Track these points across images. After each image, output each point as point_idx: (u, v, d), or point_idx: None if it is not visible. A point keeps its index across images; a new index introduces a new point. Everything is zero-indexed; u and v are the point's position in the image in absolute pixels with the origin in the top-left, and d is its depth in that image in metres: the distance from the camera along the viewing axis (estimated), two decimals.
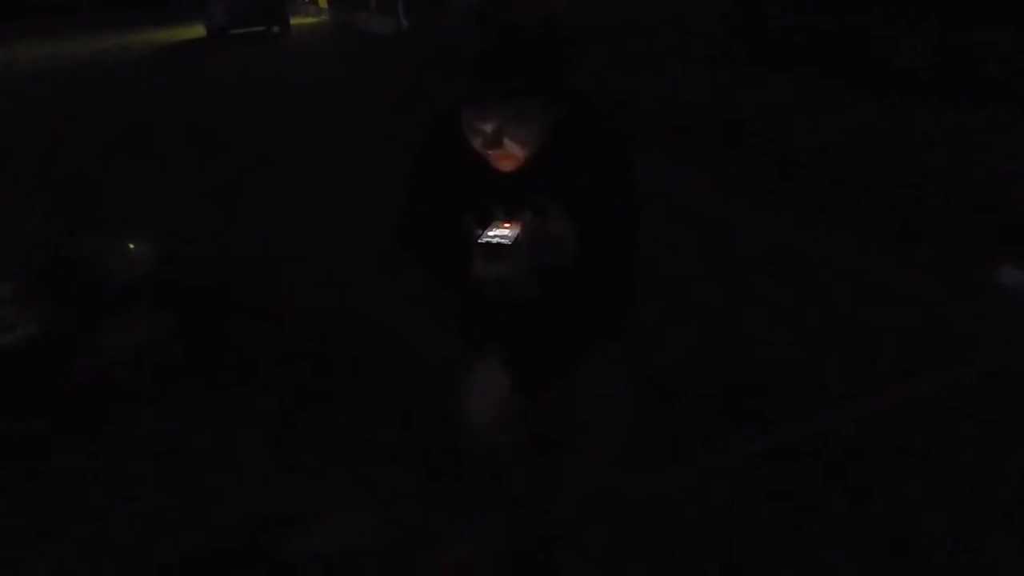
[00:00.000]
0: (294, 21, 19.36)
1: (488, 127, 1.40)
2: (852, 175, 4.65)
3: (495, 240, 1.45)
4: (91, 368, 2.76)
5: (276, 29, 18.22)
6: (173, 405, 2.79)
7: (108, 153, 7.02)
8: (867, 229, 3.82)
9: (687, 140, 5.65)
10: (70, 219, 4.09)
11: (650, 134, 4.94)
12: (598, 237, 1.49)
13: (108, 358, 2.79)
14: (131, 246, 3.13)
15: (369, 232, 4.00)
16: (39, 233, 3.97)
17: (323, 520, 2.20)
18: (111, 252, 3.03)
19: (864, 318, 3.05)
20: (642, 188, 1.53)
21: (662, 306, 2.94)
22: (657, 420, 2.37)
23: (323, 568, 2.05)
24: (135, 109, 9.41)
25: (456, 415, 1.83)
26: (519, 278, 1.48)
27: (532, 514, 1.84)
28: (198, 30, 19.17)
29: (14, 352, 2.79)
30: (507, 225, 1.46)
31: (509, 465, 1.84)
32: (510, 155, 1.43)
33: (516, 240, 1.44)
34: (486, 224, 1.48)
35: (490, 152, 1.43)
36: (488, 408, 1.76)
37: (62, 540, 2.22)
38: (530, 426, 1.76)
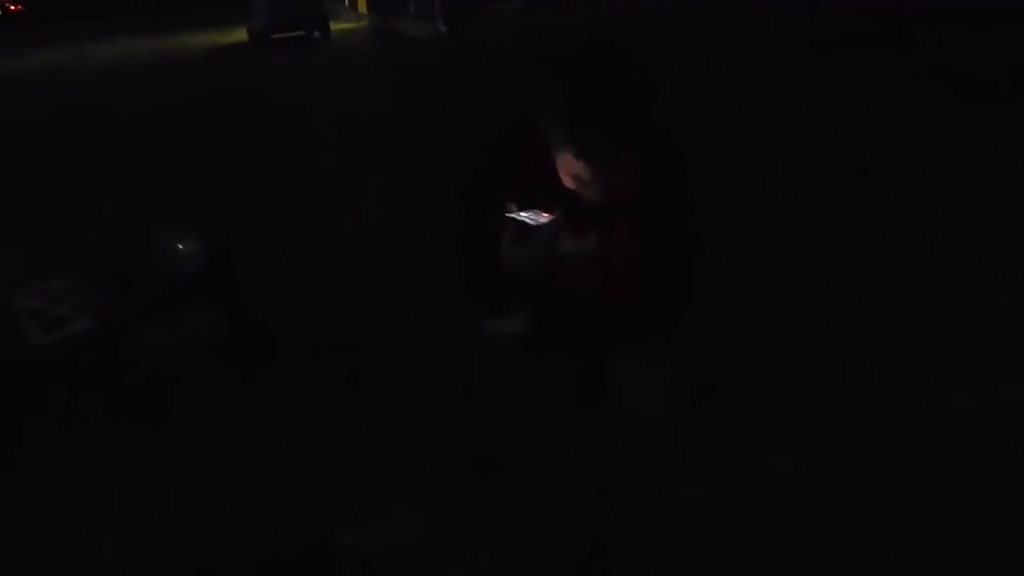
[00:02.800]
0: (334, 26, 19.57)
1: (593, 176, 1.43)
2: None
3: (520, 218, 1.46)
4: (147, 363, 2.82)
5: (317, 34, 18.45)
6: (222, 401, 2.84)
7: (152, 157, 7.15)
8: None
9: None
10: (127, 218, 4.18)
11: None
12: (656, 243, 1.51)
13: (163, 353, 2.85)
14: (182, 244, 3.19)
15: (417, 239, 4.04)
16: (98, 230, 4.08)
17: (368, 518, 2.21)
18: (165, 249, 3.10)
19: (912, 323, 3.02)
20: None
21: (712, 309, 2.93)
22: (704, 423, 2.36)
23: (368, 565, 2.06)
24: (186, 116, 9.56)
25: (502, 417, 1.85)
26: (538, 266, 1.49)
27: (582, 516, 1.85)
28: (240, 34, 19.47)
29: (67, 346, 2.86)
30: (545, 214, 1.47)
31: (557, 465, 1.86)
32: (599, 193, 1.47)
33: (543, 226, 1.45)
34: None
35: (579, 187, 1.47)
36: (536, 409, 1.78)
37: (110, 537, 2.27)
38: (581, 426, 1.77)
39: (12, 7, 40.86)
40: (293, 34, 18.26)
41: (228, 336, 3.09)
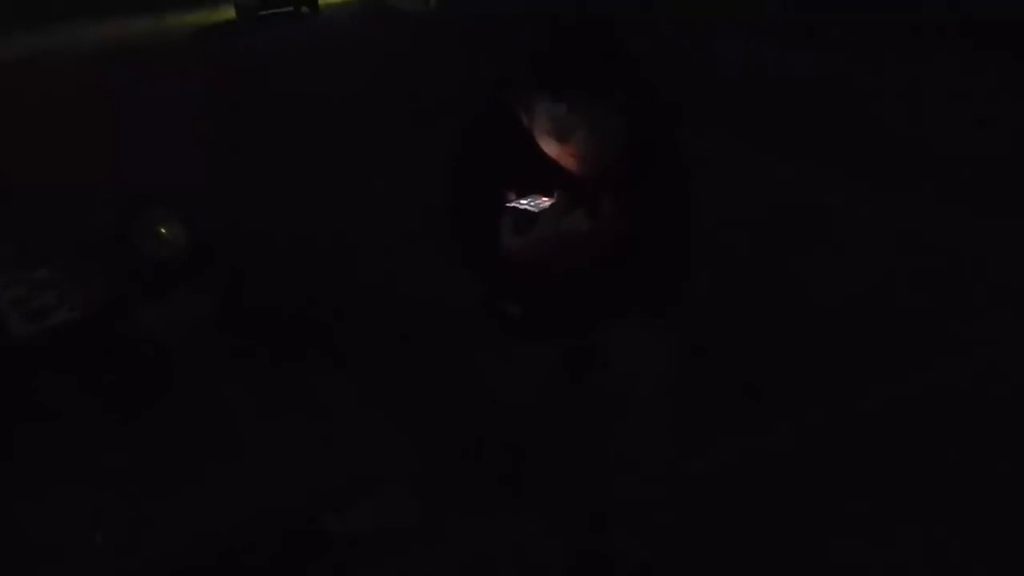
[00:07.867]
0: (323, 1, 19.30)
1: (566, 135, 1.39)
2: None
3: (522, 206, 1.44)
4: (137, 347, 2.80)
5: (305, 9, 18.20)
6: (215, 384, 2.82)
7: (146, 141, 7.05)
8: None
9: None
10: (114, 203, 4.12)
11: None
12: (648, 214, 1.49)
13: (152, 339, 2.83)
14: (166, 228, 3.15)
15: (412, 219, 3.99)
16: (85, 217, 4.02)
17: (362, 497, 2.20)
18: (150, 234, 3.07)
19: (910, 284, 3.01)
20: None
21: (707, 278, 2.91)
22: (703, 396, 2.33)
23: (360, 545, 2.06)
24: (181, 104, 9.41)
25: (498, 394, 1.82)
26: (544, 252, 1.46)
27: (582, 491, 1.84)
28: (228, 11, 19.18)
29: (55, 334, 2.83)
30: (544, 199, 1.45)
31: (554, 443, 1.85)
32: (585, 158, 1.44)
33: (545, 211, 1.44)
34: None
35: (564, 155, 1.44)
36: (533, 385, 1.76)
37: (105, 519, 2.26)
38: (578, 402, 1.76)
39: None
40: (281, 10, 18.02)
41: (219, 317, 3.07)
